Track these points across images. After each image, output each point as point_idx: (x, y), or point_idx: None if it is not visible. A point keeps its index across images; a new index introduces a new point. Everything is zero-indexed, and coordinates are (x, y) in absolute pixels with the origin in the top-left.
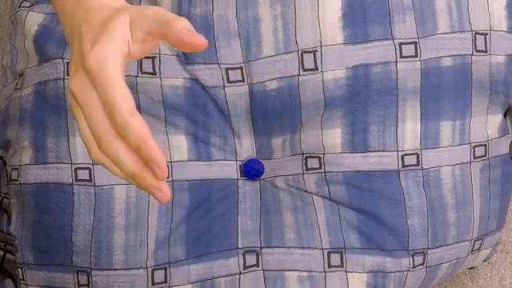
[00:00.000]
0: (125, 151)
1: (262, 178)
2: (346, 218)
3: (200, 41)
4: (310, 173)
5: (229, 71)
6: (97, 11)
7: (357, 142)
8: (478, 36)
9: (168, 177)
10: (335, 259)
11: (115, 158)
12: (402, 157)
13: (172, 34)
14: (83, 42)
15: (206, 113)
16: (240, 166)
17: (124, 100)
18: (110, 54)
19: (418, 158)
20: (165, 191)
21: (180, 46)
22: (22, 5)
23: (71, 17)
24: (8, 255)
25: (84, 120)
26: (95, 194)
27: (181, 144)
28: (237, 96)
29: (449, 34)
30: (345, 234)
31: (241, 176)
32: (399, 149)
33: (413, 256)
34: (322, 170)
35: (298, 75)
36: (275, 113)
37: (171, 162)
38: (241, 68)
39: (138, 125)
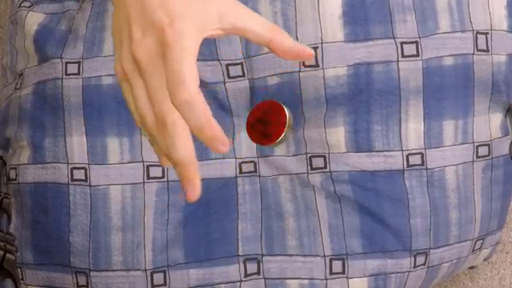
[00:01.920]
0: (185, 134)
1: (263, 175)
2: (349, 221)
3: (308, 53)
4: (315, 172)
5: (229, 67)
6: None
7: (361, 142)
8: (479, 35)
9: (163, 177)
10: (337, 266)
11: (172, 141)
12: (407, 156)
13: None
14: (152, 10)
15: None
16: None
17: (194, 78)
18: (191, 31)
19: (422, 157)
20: (196, 189)
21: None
22: (22, 5)
23: None
24: (8, 255)
25: (143, 92)
26: (91, 194)
27: None
28: (237, 91)
29: (450, 34)
30: (347, 239)
31: (240, 172)
32: (403, 148)
33: (415, 256)
34: (328, 170)
35: (299, 71)
36: None
37: None
38: (241, 64)
39: (203, 104)
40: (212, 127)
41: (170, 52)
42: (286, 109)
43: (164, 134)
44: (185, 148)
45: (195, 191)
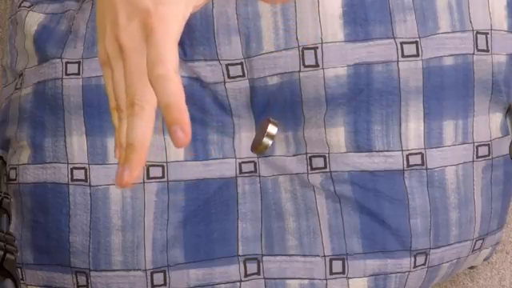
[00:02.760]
0: (143, 120)
1: (263, 175)
2: (349, 221)
3: None
4: (315, 172)
5: (229, 67)
6: None
7: (360, 141)
8: (479, 35)
9: (163, 177)
10: (337, 266)
11: (134, 121)
12: (407, 156)
13: None
14: None
15: (203, 110)
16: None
17: (174, 58)
18: (175, 16)
19: (422, 157)
20: (133, 176)
21: None
22: (22, 5)
23: None
24: (8, 255)
25: (122, 76)
26: (91, 194)
27: None
28: (237, 91)
29: (450, 34)
30: (347, 239)
31: (240, 172)
32: (403, 148)
33: (415, 256)
34: (328, 170)
35: (299, 71)
36: (276, 108)
37: (167, 162)
38: (241, 64)
39: (178, 83)
40: (180, 109)
41: (153, 35)
42: (271, 121)
43: (129, 114)
44: (142, 133)
45: (131, 178)
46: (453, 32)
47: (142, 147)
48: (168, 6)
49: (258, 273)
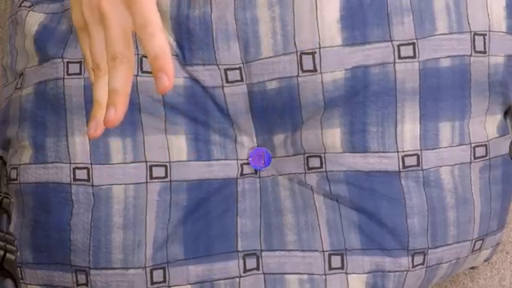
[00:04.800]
0: (128, 69)
1: (263, 175)
2: (347, 217)
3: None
4: (312, 172)
5: (228, 71)
6: None
7: (356, 143)
8: (476, 37)
9: (166, 177)
10: (336, 261)
11: (116, 72)
12: (403, 158)
13: None
14: None
15: (206, 112)
16: (246, 158)
17: (157, 19)
18: None
19: (418, 158)
20: (117, 116)
21: None
22: (23, 4)
23: None
24: (8, 255)
25: (101, 39)
26: (93, 193)
27: (180, 144)
28: (236, 96)
29: (447, 35)
30: (346, 234)
31: (241, 173)
32: (399, 150)
33: (412, 256)
34: (323, 169)
35: (297, 76)
36: (275, 112)
37: (170, 162)
38: (239, 68)
39: (163, 39)
40: (165, 59)
41: (136, 3)
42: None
43: (111, 67)
44: (124, 80)
45: (116, 118)
46: (450, 33)
47: (124, 93)
48: None
49: (258, 268)
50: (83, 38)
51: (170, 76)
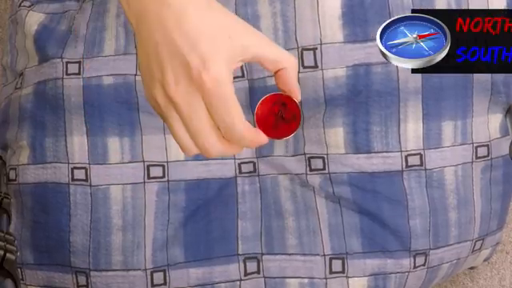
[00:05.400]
0: (230, 147)
1: (262, 174)
2: (349, 220)
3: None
4: (314, 174)
5: None
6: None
7: (359, 143)
8: None
9: (163, 177)
10: (337, 265)
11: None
12: (406, 157)
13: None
14: (184, 54)
15: None
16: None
17: (240, 121)
18: (226, 75)
19: (421, 158)
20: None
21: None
22: (23, 4)
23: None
24: (8, 255)
25: (181, 126)
26: (91, 194)
27: None
28: (237, 91)
29: None
30: (347, 238)
31: (240, 172)
32: (402, 149)
33: (414, 257)
34: (326, 171)
35: (298, 72)
36: None
37: (167, 161)
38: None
39: (252, 136)
40: (264, 138)
41: (211, 98)
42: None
43: (211, 155)
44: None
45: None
46: None
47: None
48: (215, 63)
49: (258, 272)
50: (165, 119)
51: (265, 139)
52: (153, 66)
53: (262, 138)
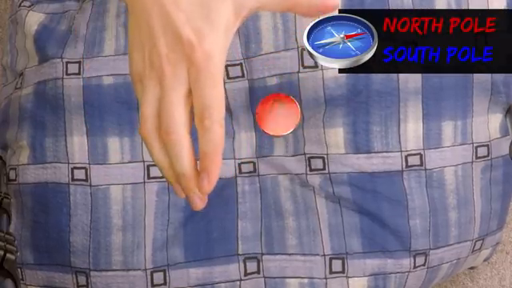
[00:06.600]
0: (188, 150)
1: (262, 174)
2: (349, 220)
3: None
4: (314, 174)
5: (229, 68)
6: None
7: (359, 143)
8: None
9: (163, 176)
10: (337, 265)
11: (177, 152)
12: (406, 157)
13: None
14: (178, 27)
15: None
16: (239, 164)
17: (219, 107)
18: (218, 51)
19: (421, 158)
20: (203, 199)
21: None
22: (23, 4)
23: None
24: (8, 255)
25: (155, 101)
26: (91, 193)
27: None
28: (237, 91)
29: None
30: (347, 238)
31: (240, 171)
32: (402, 149)
33: (414, 257)
34: (327, 171)
35: (298, 72)
36: None
37: None
38: (240, 64)
39: (219, 136)
40: (213, 160)
41: (200, 75)
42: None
43: (167, 145)
44: (189, 160)
45: (200, 201)
46: None
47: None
48: (209, 38)
49: (258, 272)
50: (139, 91)
51: (212, 179)
52: (144, 38)
53: (221, 145)
